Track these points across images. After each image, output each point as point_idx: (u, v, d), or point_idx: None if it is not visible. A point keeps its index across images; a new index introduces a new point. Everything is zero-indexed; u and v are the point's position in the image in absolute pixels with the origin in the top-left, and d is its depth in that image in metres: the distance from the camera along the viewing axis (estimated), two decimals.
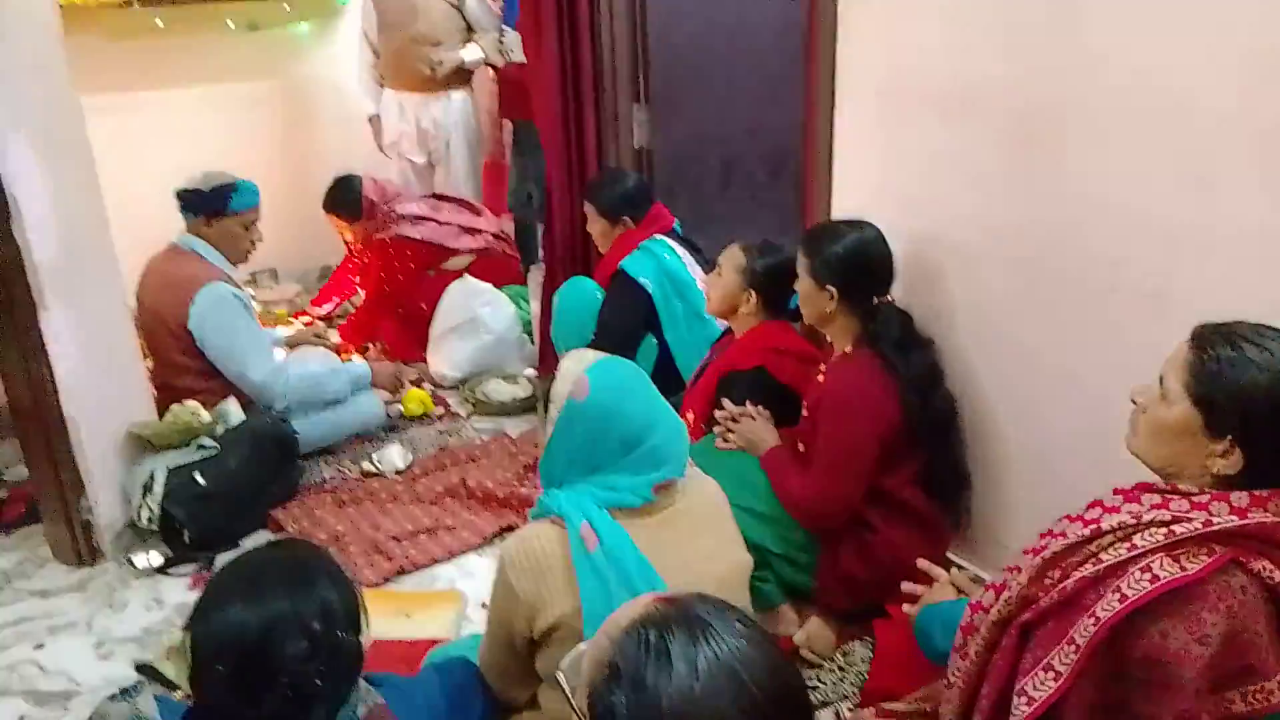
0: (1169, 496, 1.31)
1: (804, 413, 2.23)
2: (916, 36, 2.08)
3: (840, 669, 2.09)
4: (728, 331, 2.61)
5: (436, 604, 2.37)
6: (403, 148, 4.23)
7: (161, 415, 2.71)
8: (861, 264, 2.09)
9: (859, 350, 2.11)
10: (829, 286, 2.09)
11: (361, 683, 1.27)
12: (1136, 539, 1.26)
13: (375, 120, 4.27)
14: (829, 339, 2.23)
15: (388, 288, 3.73)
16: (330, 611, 1.19)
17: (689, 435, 2.39)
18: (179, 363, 2.85)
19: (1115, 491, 1.36)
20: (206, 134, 4.12)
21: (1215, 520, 1.23)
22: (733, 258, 2.48)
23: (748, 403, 2.28)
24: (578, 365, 1.57)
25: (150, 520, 2.56)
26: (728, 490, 2.06)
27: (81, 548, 2.57)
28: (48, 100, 2.36)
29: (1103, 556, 1.29)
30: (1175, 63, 1.62)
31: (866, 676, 2.04)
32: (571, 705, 0.92)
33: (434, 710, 1.45)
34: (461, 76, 4.21)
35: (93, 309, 2.51)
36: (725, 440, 2.25)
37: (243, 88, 4.37)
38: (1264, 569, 1.24)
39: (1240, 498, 1.26)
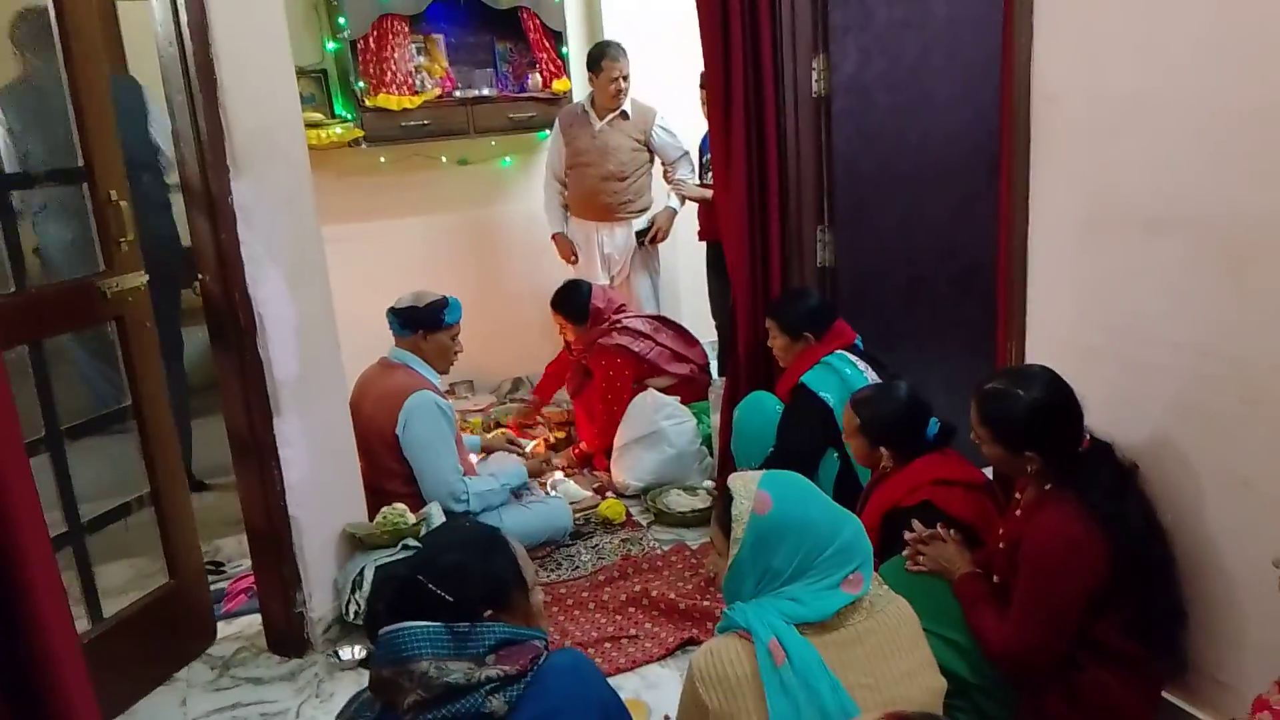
0: None
1: (1000, 545, 2.14)
2: (1118, 156, 2.05)
3: None
4: None
5: None
6: (589, 272, 4.47)
7: (372, 517, 2.91)
8: (1052, 423, 1.97)
9: (1060, 489, 1.98)
10: (1027, 452, 1.97)
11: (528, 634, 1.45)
12: None
13: (560, 237, 4.55)
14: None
15: (609, 393, 3.90)
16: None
17: None
18: (388, 467, 3.07)
19: (1256, 706, 1.22)
20: (418, 259, 4.49)
21: None
22: (850, 419, 2.48)
23: (939, 525, 2.22)
24: (748, 483, 1.59)
25: (357, 615, 2.72)
26: (918, 614, 2.02)
27: (294, 639, 2.75)
28: (297, 234, 2.65)
29: None
30: None
31: None
32: None
33: (604, 705, 1.48)
34: (643, 205, 4.47)
35: (321, 418, 2.75)
36: (916, 563, 2.19)
37: (450, 217, 4.77)
38: None
39: None
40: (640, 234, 4.47)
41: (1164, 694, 2.10)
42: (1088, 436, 2.02)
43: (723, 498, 1.61)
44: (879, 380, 2.93)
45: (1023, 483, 2.13)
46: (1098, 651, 1.96)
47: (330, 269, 2.81)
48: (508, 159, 4.86)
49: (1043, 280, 2.31)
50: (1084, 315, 2.20)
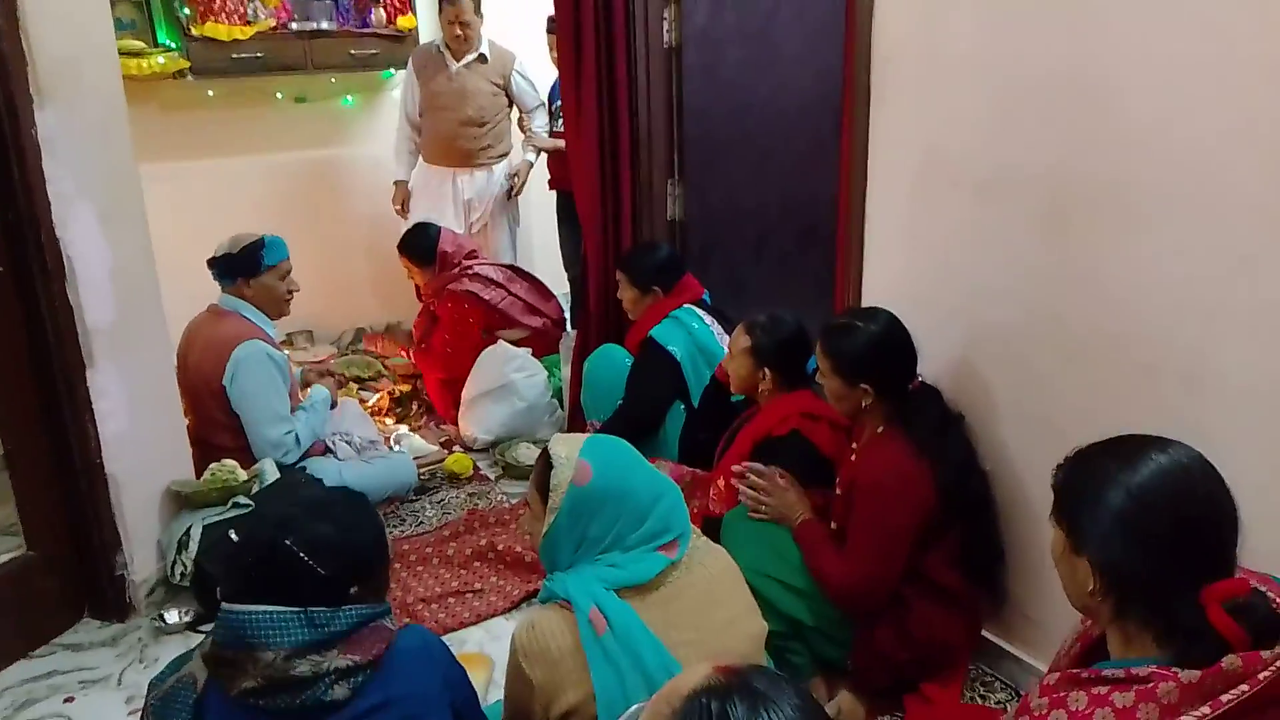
0: (1094, 694, 1.12)
1: (837, 489, 2.23)
2: (950, 115, 2.12)
3: None
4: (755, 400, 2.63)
5: (466, 667, 2.35)
6: (443, 219, 4.32)
7: (199, 473, 2.77)
8: (888, 357, 2.09)
9: (892, 430, 2.10)
10: (862, 385, 2.09)
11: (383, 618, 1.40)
12: None
13: (401, 185, 4.39)
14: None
15: (449, 337, 3.79)
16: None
17: (721, 503, 2.42)
18: (217, 420, 2.91)
19: (1041, 691, 1.20)
20: (253, 201, 4.25)
21: None
22: (739, 339, 2.51)
23: (778, 473, 2.27)
24: (571, 449, 1.55)
25: (184, 576, 2.59)
26: (762, 561, 2.09)
27: (115, 603, 2.60)
28: (111, 170, 2.46)
29: None
30: (1212, 147, 1.64)
31: None
32: None
33: (451, 685, 1.46)
34: (503, 150, 4.37)
35: (141, 369, 2.58)
36: (758, 512, 2.25)
37: (287, 157, 4.52)
38: None
39: (1169, 691, 1.06)
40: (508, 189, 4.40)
41: (984, 632, 2.24)
42: (919, 379, 2.14)
43: (543, 461, 1.58)
44: (725, 335, 2.98)
45: (858, 431, 2.22)
46: (925, 587, 2.08)
47: (156, 210, 2.63)
48: (349, 98, 4.63)
49: (879, 236, 2.38)
50: (916, 270, 2.28)
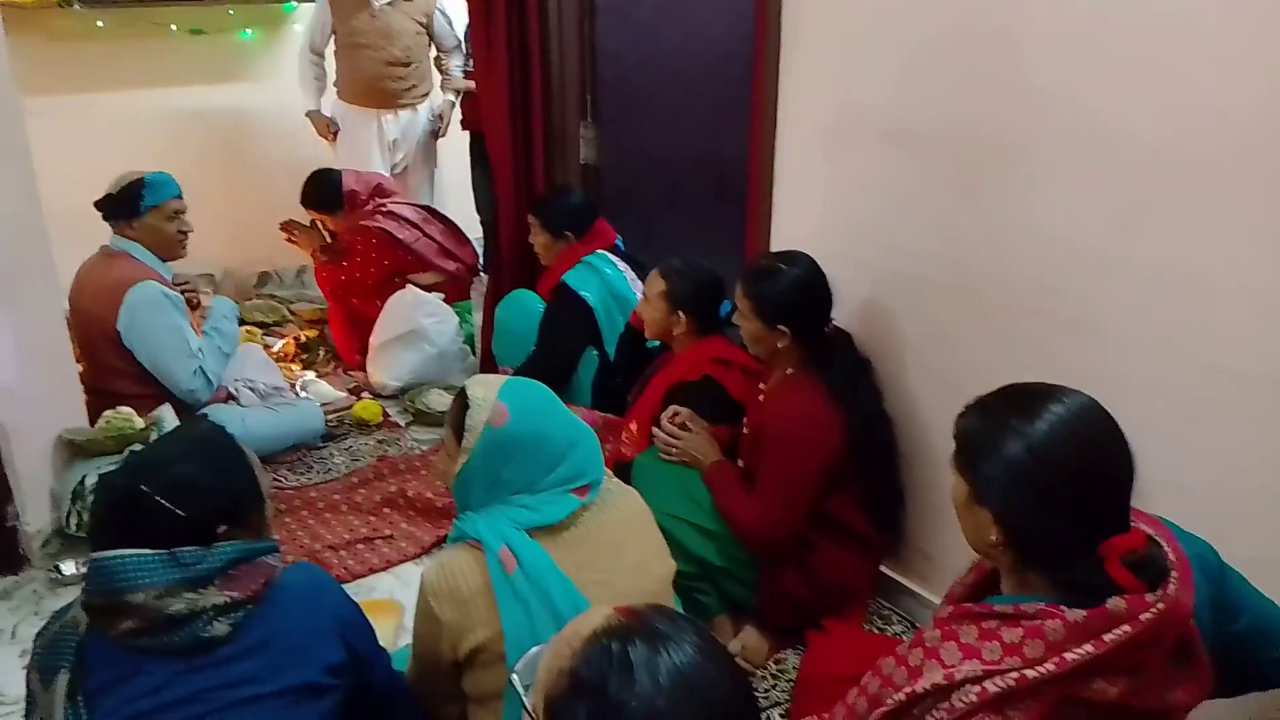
0: (984, 628, 1.17)
1: (745, 429, 2.27)
2: (859, 70, 2.13)
3: (773, 677, 2.15)
4: (668, 346, 2.65)
5: (375, 614, 2.31)
6: (369, 161, 4.18)
7: (93, 421, 2.67)
8: (808, 300, 2.12)
9: (803, 373, 2.14)
10: (780, 327, 2.11)
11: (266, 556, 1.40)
12: (955, 699, 1.14)
13: (315, 114, 4.24)
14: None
15: (358, 274, 3.69)
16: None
17: (632, 447, 2.45)
18: (113, 366, 2.82)
19: (935, 624, 1.24)
20: (147, 139, 4.07)
21: (1030, 674, 1.10)
22: (654, 284, 2.52)
23: (687, 420, 2.30)
24: (488, 391, 1.55)
25: (79, 527, 2.52)
26: (673, 503, 2.12)
27: (8, 555, 2.52)
28: None
29: None
30: (1112, 104, 1.68)
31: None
32: (525, 707, 0.93)
33: (342, 621, 1.44)
34: (425, 90, 4.27)
35: (28, 314, 2.47)
36: (668, 454, 2.28)
37: (184, 92, 4.33)
38: (1098, 688, 1.11)
39: (1055, 630, 1.11)
40: (434, 131, 4.32)
41: (882, 568, 2.33)
42: (833, 323, 2.19)
43: (459, 401, 1.57)
44: (639, 281, 2.99)
45: (767, 373, 2.26)
46: (829, 529, 2.15)
47: (43, 147, 2.50)
48: (248, 31, 4.44)
49: (789, 188, 2.40)
50: (826, 221, 2.31)
